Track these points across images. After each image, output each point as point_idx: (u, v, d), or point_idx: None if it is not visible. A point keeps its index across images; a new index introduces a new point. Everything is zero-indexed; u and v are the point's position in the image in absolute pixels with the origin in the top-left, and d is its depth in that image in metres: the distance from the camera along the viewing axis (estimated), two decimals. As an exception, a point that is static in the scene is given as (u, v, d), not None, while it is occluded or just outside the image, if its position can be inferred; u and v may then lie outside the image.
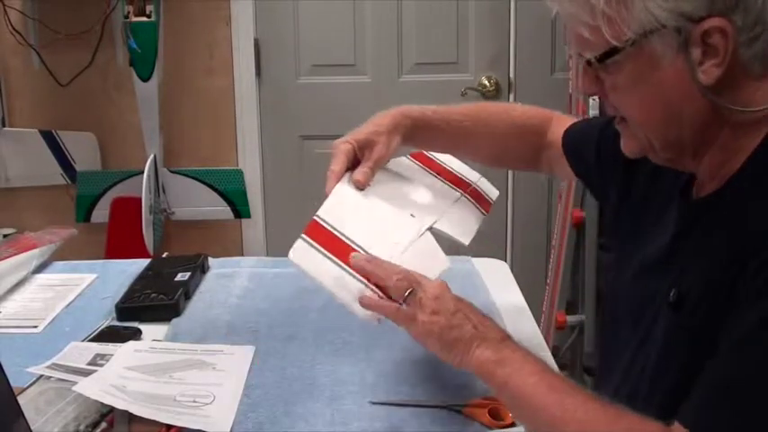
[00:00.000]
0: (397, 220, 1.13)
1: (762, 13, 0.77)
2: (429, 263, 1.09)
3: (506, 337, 0.95)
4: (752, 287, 0.75)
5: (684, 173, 0.93)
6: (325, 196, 1.11)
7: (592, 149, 1.14)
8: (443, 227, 1.17)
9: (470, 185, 1.30)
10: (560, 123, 1.26)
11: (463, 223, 1.23)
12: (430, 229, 1.15)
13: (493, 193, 1.33)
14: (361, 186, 1.14)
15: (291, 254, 1.02)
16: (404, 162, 1.27)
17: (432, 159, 1.30)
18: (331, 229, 1.05)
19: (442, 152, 1.30)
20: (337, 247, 1.05)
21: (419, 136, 1.21)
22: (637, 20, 0.79)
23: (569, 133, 1.22)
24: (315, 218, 1.06)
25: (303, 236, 1.03)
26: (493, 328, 0.96)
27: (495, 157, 1.32)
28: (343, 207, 1.10)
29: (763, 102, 0.81)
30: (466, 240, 1.21)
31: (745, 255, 0.76)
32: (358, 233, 1.07)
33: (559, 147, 1.22)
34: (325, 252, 1.04)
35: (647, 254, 0.95)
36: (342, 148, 1.15)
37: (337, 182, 1.13)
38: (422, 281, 1.00)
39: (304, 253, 1.03)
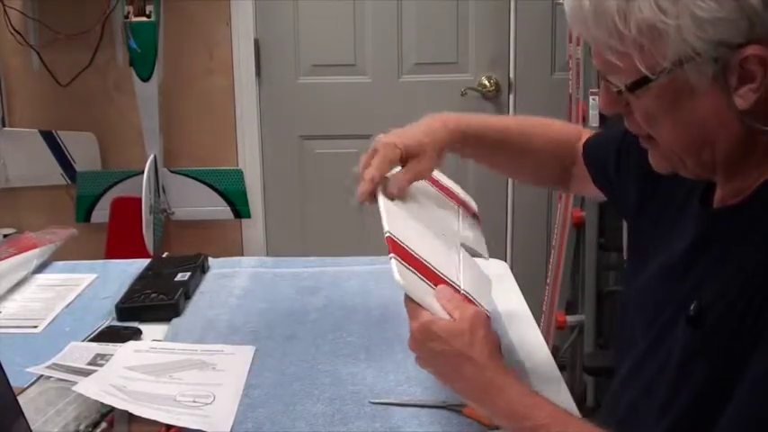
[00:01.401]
0: (438, 239, 1.11)
1: None
2: (482, 280, 1.10)
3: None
4: None
5: (701, 183, 0.91)
6: (357, 197, 1.05)
7: (612, 157, 1.12)
8: (468, 242, 1.16)
9: (459, 197, 1.29)
10: (586, 137, 1.23)
11: (478, 239, 1.22)
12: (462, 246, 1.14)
13: (473, 204, 1.33)
14: (393, 198, 1.07)
15: (398, 276, 0.92)
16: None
17: None
18: (409, 250, 0.99)
19: (482, 164, 1.27)
20: (422, 269, 0.98)
21: (466, 149, 1.18)
22: (672, 50, 0.76)
23: (589, 143, 1.20)
24: (389, 235, 0.98)
25: (394, 256, 0.94)
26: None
27: (531, 171, 1.29)
28: (399, 224, 1.03)
29: None
30: (487, 255, 1.20)
31: None
32: (427, 255, 1.01)
33: (581, 159, 1.20)
34: (419, 275, 0.97)
35: (664, 259, 0.94)
36: (389, 153, 1.07)
37: (373, 187, 1.05)
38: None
39: (406, 274, 0.95)
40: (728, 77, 0.77)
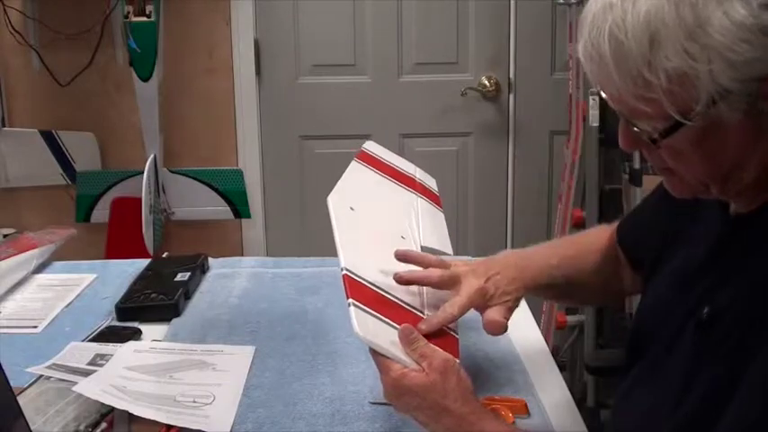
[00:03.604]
0: (397, 246, 1.10)
1: None
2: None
3: None
4: None
5: None
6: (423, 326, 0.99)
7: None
8: (429, 242, 1.16)
9: (415, 180, 1.29)
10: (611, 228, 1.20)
11: (439, 231, 1.22)
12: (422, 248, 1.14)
13: (431, 182, 1.32)
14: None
15: (357, 328, 0.90)
16: (357, 168, 1.24)
17: (374, 158, 1.29)
18: (366, 284, 0.97)
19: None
20: (381, 304, 0.97)
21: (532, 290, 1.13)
22: (705, 93, 0.74)
23: (622, 226, 1.18)
24: (345, 273, 0.96)
25: (353, 301, 0.92)
26: None
27: (596, 293, 1.23)
28: (358, 250, 1.03)
29: None
30: (450, 250, 1.20)
31: None
32: (386, 283, 1.00)
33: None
34: (378, 315, 0.95)
35: (678, 265, 0.94)
36: (475, 299, 1.04)
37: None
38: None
39: (366, 323, 0.92)
40: (759, 104, 0.75)
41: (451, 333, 1.01)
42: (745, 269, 0.80)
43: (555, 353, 1.38)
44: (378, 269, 1.02)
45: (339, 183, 1.16)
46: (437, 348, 0.94)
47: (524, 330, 1.35)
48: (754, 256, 0.80)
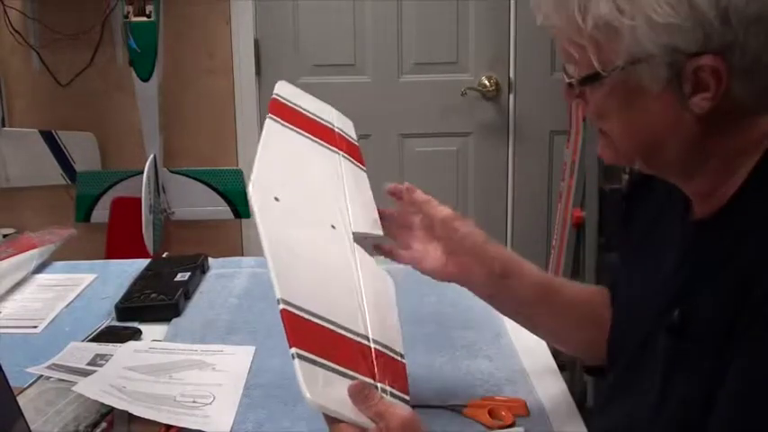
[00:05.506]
0: (334, 252, 1.00)
1: (761, 53, 0.74)
2: (381, 285, 1.02)
3: None
4: (760, 321, 0.72)
5: (681, 196, 0.90)
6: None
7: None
8: (358, 227, 1.07)
9: (334, 131, 1.22)
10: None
11: (366, 206, 1.12)
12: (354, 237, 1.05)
13: (350, 128, 1.25)
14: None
15: (306, 390, 0.80)
16: (274, 131, 1.12)
17: (289, 107, 1.20)
18: (308, 318, 0.85)
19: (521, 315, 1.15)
20: (327, 343, 0.86)
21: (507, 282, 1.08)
22: (626, 49, 0.76)
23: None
24: (284, 307, 0.83)
25: (297, 352, 0.81)
26: None
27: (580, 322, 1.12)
28: (291, 265, 0.89)
29: (755, 133, 0.79)
30: (380, 230, 1.10)
31: (750, 283, 0.73)
32: (326, 305, 0.89)
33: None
34: (326, 362, 0.84)
35: (643, 274, 0.94)
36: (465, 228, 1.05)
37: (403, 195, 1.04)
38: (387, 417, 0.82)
39: (316, 380, 0.82)
40: (683, 84, 0.76)
41: (398, 358, 0.92)
42: (713, 275, 0.80)
43: (555, 353, 1.38)
44: (315, 287, 0.91)
45: (257, 160, 1.03)
46: (393, 403, 0.84)
47: (524, 331, 1.35)
48: (720, 264, 0.79)
